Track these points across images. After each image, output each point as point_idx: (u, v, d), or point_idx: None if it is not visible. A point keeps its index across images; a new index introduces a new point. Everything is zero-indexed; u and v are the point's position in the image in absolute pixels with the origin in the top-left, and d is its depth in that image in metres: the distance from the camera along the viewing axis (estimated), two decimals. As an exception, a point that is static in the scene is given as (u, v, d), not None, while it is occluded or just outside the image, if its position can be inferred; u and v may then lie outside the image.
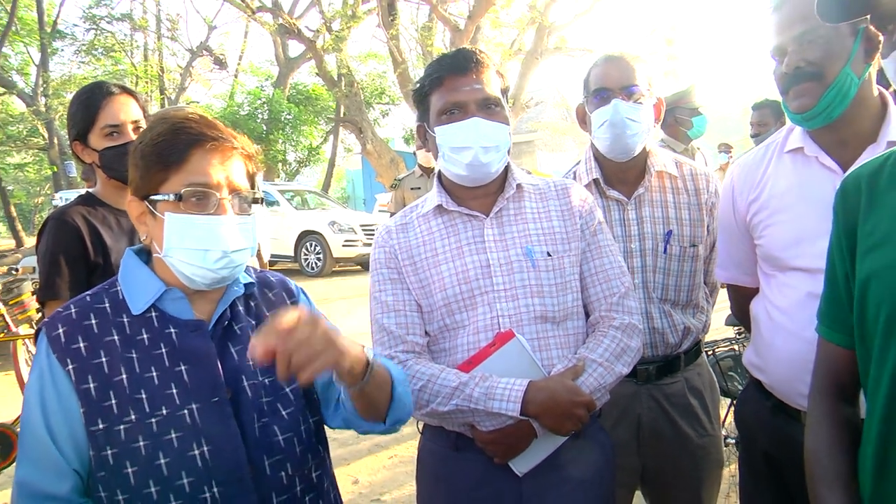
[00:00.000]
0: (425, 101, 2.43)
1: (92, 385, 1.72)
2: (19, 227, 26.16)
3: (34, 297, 8.70)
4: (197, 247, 1.77)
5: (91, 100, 2.92)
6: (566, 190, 2.50)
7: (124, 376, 1.74)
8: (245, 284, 1.97)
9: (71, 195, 14.12)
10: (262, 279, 2.08)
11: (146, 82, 29.55)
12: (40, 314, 6.64)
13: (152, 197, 1.78)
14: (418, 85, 2.45)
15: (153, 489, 1.69)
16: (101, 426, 1.70)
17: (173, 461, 1.71)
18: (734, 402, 3.56)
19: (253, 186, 1.88)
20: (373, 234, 19.22)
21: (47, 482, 1.68)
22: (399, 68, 21.54)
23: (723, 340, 4.95)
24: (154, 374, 1.77)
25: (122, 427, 1.71)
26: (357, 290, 15.16)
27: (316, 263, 18.88)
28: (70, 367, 1.72)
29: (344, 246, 19.11)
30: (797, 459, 2.05)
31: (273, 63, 32.72)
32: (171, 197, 1.76)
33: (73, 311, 1.81)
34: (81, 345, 1.75)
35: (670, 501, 2.99)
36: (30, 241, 23.35)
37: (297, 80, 32.77)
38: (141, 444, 1.70)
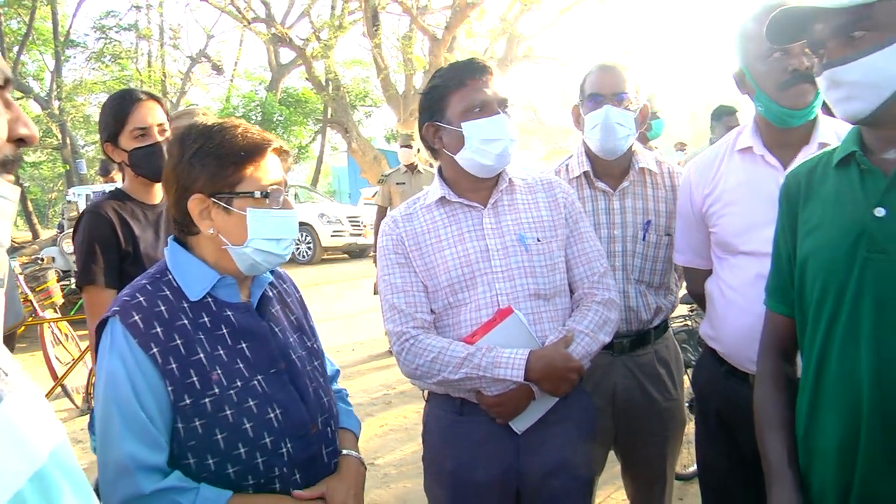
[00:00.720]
0: (442, 101, 2.46)
1: (174, 365, 1.75)
2: (35, 220, 25.95)
3: (58, 284, 8.67)
4: (275, 236, 1.85)
5: (121, 105, 2.97)
6: (551, 184, 2.60)
7: (201, 355, 1.79)
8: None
9: (82, 191, 14.00)
10: (275, 272, 2.15)
11: (150, 86, 29.27)
12: (63, 300, 6.51)
13: (222, 194, 1.81)
14: (435, 86, 2.48)
15: (242, 450, 1.77)
16: (187, 401, 1.75)
17: (256, 424, 1.79)
18: (688, 370, 3.70)
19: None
20: (358, 225, 19.36)
21: (150, 455, 1.70)
22: (382, 74, 21.56)
23: (677, 317, 5.08)
24: (221, 352, 1.82)
25: (206, 400, 1.76)
26: (344, 276, 15.22)
27: (307, 252, 18.85)
28: (154, 350, 1.74)
29: (332, 236, 19.09)
30: (746, 415, 2.19)
31: (266, 69, 32.53)
32: (258, 194, 1.82)
33: (140, 299, 1.80)
34: (158, 329, 1.76)
35: (640, 457, 3.08)
36: (45, 234, 23.13)
37: (288, 84, 32.61)
38: (227, 412, 1.77)
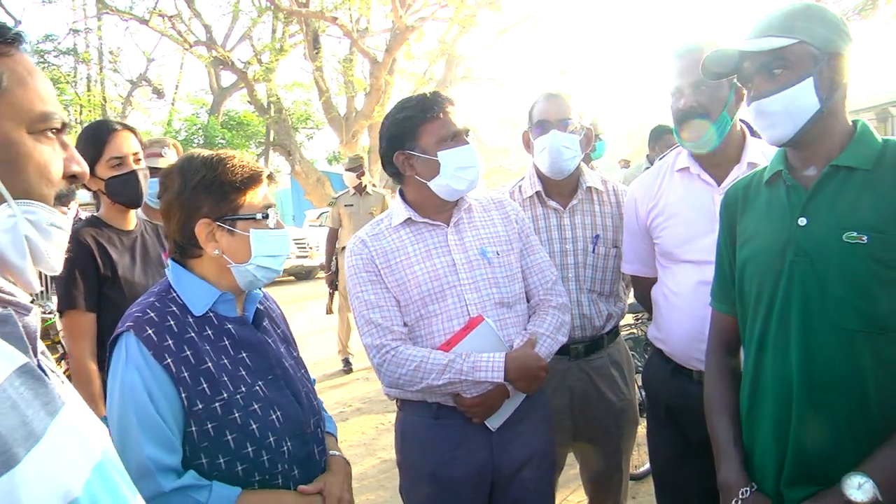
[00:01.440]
0: (414, 131, 2.59)
1: (186, 374, 1.88)
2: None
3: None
4: (274, 253, 2.03)
5: (98, 135, 3.07)
6: (501, 202, 2.83)
7: (209, 364, 1.92)
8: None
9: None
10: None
11: (89, 111, 28.86)
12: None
13: (227, 218, 1.97)
14: (407, 117, 2.61)
15: (249, 449, 1.92)
16: (200, 406, 1.88)
17: (261, 425, 1.95)
18: (637, 374, 3.92)
19: None
20: (304, 248, 19.29)
21: (168, 457, 1.83)
22: (323, 96, 21.61)
23: (624, 325, 5.32)
24: (226, 361, 1.97)
25: (217, 405, 1.90)
26: (291, 298, 15.07)
27: (253, 275, 18.69)
28: (167, 360, 1.86)
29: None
30: (691, 407, 2.48)
31: (207, 92, 32.19)
32: (259, 216, 2.00)
33: (151, 315, 1.93)
34: (170, 342, 1.89)
35: (597, 454, 3.29)
36: None
37: (230, 107, 32.32)
38: (236, 415, 1.92)
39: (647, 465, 3.35)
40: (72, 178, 1.21)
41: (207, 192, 1.96)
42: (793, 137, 1.91)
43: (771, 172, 2.05)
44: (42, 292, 8.67)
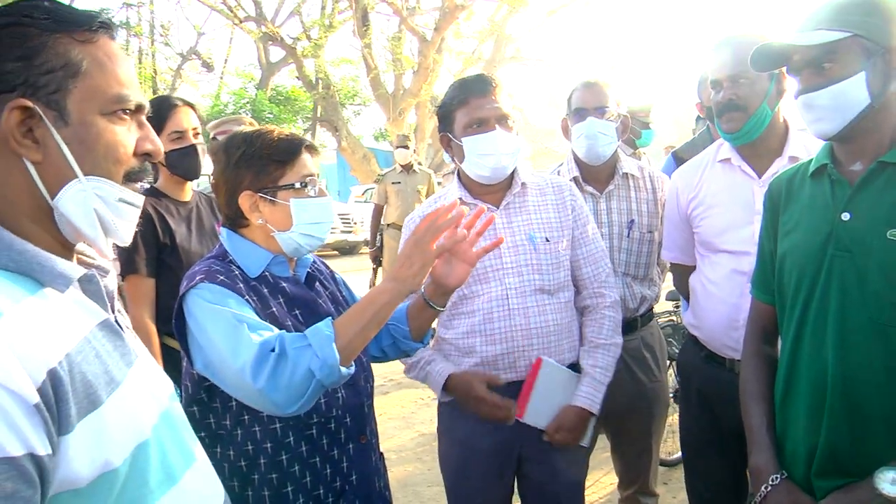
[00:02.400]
0: (450, 116, 2.69)
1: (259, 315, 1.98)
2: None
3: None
4: (316, 220, 2.09)
5: (160, 110, 3.17)
6: (560, 187, 2.83)
7: (272, 310, 2.04)
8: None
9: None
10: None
11: (140, 83, 29.20)
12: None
13: (267, 189, 2.05)
14: (444, 101, 2.72)
15: None
16: None
17: None
18: (672, 361, 3.96)
19: None
20: (349, 223, 19.45)
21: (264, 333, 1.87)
22: (371, 73, 21.62)
23: (663, 312, 5.34)
24: (280, 315, 2.06)
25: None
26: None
27: (297, 248, 18.86)
28: (245, 298, 1.97)
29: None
30: (723, 394, 2.53)
31: (256, 66, 32.33)
32: (298, 185, 2.07)
33: (219, 268, 2.03)
34: (241, 285, 2.00)
35: (627, 434, 3.37)
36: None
37: (278, 82, 32.45)
38: None
39: (681, 453, 3.38)
40: (145, 155, 1.29)
41: (248, 165, 2.06)
42: (840, 132, 1.90)
43: (816, 165, 2.04)
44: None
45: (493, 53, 21.91)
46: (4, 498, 0.93)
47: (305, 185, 2.09)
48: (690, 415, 2.96)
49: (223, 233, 2.18)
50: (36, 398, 0.99)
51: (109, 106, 1.22)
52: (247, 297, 1.98)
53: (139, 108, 1.28)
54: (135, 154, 1.27)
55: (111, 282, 1.32)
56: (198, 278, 2.01)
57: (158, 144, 1.32)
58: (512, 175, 2.75)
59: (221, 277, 2.00)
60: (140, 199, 1.30)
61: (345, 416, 2.11)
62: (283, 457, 2.04)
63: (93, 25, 1.22)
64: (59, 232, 1.22)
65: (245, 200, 2.07)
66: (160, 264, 3.10)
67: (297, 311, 2.12)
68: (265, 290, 2.09)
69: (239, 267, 2.10)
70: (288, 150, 2.09)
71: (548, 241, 2.71)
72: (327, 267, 2.46)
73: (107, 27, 1.25)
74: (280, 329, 1.94)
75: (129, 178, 1.27)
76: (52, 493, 1.03)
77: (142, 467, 1.17)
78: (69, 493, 1.06)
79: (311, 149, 2.16)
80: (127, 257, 3.04)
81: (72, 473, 1.05)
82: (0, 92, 1.14)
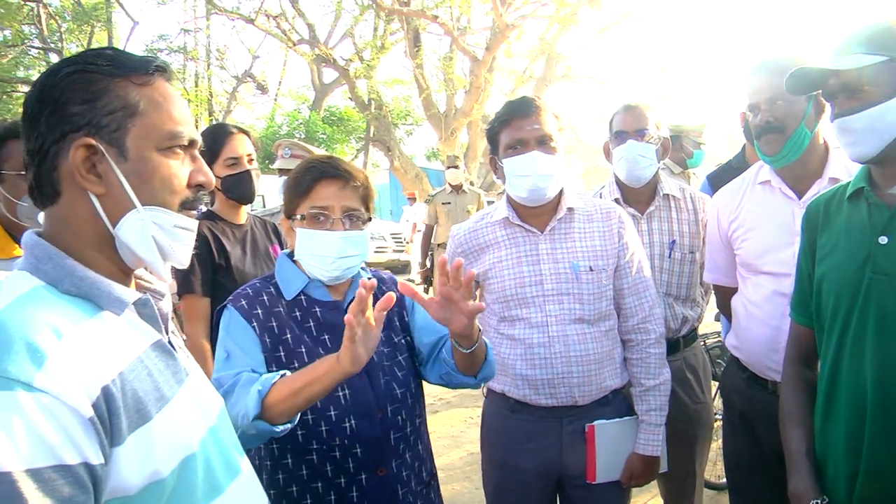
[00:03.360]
0: (496, 138, 2.74)
1: (268, 340, 2.14)
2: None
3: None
4: (315, 253, 2.17)
5: (216, 137, 3.33)
6: (609, 214, 2.80)
7: (288, 336, 2.16)
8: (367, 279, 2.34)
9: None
10: (378, 276, 2.47)
11: (196, 105, 29.78)
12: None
13: (292, 218, 2.21)
14: (491, 124, 2.77)
15: (309, 417, 2.11)
16: (274, 369, 2.08)
17: (324, 399, 2.05)
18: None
19: (367, 209, 2.26)
20: (401, 242, 19.54)
21: (249, 366, 2.06)
22: (423, 93, 21.75)
23: (712, 333, 5.29)
24: (307, 338, 2.18)
25: (288, 372, 2.06)
26: (387, 291, 15.29)
27: (349, 268, 18.95)
28: (254, 324, 2.14)
29: (375, 252, 19.22)
30: (765, 415, 2.54)
31: (309, 88, 32.81)
32: (300, 217, 2.19)
33: (248, 291, 2.24)
34: (259, 311, 2.17)
35: (671, 456, 3.28)
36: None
37: (331, 103, 32.87)
38: None
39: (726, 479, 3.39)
40: (198, 187, 1.41)
41: (288, 192, 2.24)
42: (877, 155, 1.91)
43: (853, 188, 2.05)
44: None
45: (544, 72, 21.89)
46: (62, 501, 1.04)
47: (304, 218, 2.18)
48: (733, 437, 2.96)
49: (280, 255, 2.34)
50: (90, 412, 1.10)
51: (164, 142, 1.34)
52: (258, 323, 2.14)
53: (192, 143, 1.40)
54: (189, 185, 1.39)
55: (166, 305, 1.45)
56: (229, 299, 2.21)
57: (210, 176, 1.43)
58: (559, 199, 2.77)
59: (243, 303, 2.18)
60: (194, 224, 1.42)
61: (353, 447, 2.15)
62: (280, 475, 2.16)
63: (149, 69, 1.35)
64: (120, 259, 1.34)
65: (284, 224, 2.26)
66: (215, 284, 3.22)
67: (326, 337, 2.21)
68: (298, 313, 2.22)
69: (279, 288, 2.25)
70: (301, 183, 2.21)
71: (591, 270, 2.70)
72: (392, 288, 2.48)
73: (162, 70, 1.37)
74: (296, 353, 2.13)
75: (185, 206, 1.39)
76: (104, 500, 1.14)
77: (189, 478, 1.28)
78: (120, 501, 1.17)
79: (333, 182, 2.20)
80: (183, 278, 3.16)
81: (122, 482, 1.16)
82: (68, 132, 1.27)
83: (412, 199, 19.96)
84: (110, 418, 1.14)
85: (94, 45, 26.53)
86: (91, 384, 1.12)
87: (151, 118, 1.32)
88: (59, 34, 25.53)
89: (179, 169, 1.37)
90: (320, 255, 2.17)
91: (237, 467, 1.45)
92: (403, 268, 19.88)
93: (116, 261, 1.34)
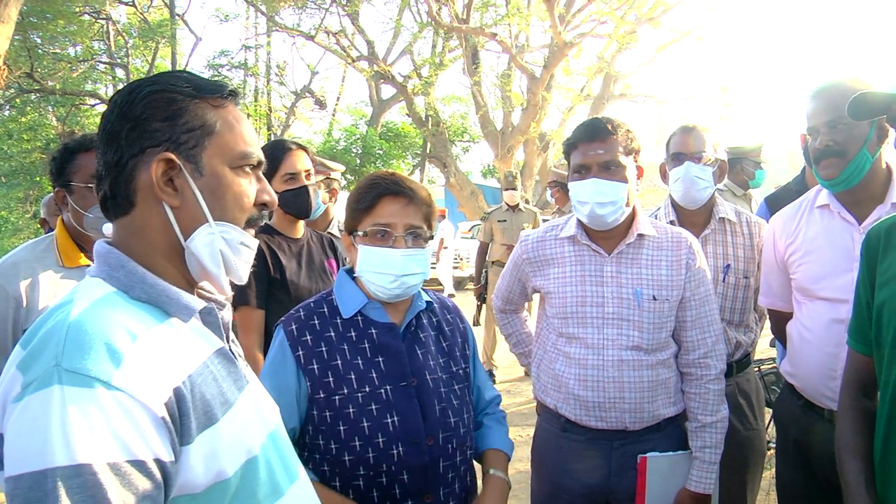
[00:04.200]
0: (568, 160, 2.76)
1: (316, 366, 2.18)
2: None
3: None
4: (376, 270, 2.20)
5: (274, 153, 3.39)
6: (679, 243, 2.76)
7: (339, 362, 2.19)
8: (427, 302, 2.37)
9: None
10: (441, 301, 2.49)
11: (255, 120, 30.27)
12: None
13: (353, 233, 2.26)
14: (564, 147, 2.79)
15: (357, 443, 2.13)
16: (322, 395, 2.16)
17: (373, 425, 2.13)
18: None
19: (429, 227, 2.27)
20: (456, 258, 19.56)
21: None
22: (481, 110, 21.74)
23: (768, 359, 5.22)
24: (359, 361, 2.20)
25: (336, 397, 2.15)
26: (441, 308, 15.32)
27: (404, 283, 19.00)
28: (299, 353, 2.19)
29: (430, 268, 19.26)
30: (821, 445, 2.48)
31: (367, 104, 33.09)
32: (361, 233, 2.23)
33: (301, 314, 2.28)
34: (308, 338, 2.21)
35: (721, 484, 3.20)
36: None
37: (389, 119, 33.08)
38: (350, 410, 2.15)
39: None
40: (262, 206, 1.48)
41: (349, 207, 2.29)
42: None
43: None
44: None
45: (601, 90, 21.72)
46: (136, 494, 1.10)
47: (366, 234, 2.22)
48: (787, 466, 2.91)
49: (340, 272, 2.37)
50: (163, 412, 1.17)
51: (237, 161, 1.42)
52: (304, 351, 2.19)
53: (259, 164, 1.48)
54: (255, 204, 1.47)
55: (227, 314, 1.52)
56: (282, 320, 2.28)
57: (274, 197, 1.51)
58: (631, 223, 2.75)
59: (293, 328, 2.24)
60: (255, 243, 1.49)
61: (400, 473, 2.15)
62: None
63: (224, 93, 1.44)
64: (188, 270, 1.42)
65: (345, 240, 2.31)
66: (270, 297, 3.27)
67: (380, 359, 2.23)
68: (353, 334, 2.25)
69: (336, 306, 2.28)
70: (363, 199, 2.24)
71: (655, 299, 2.67)
72: (458, 316, 2.53)
73: (234, 95, 1.46)
74: (345, 379, 2.17)
75: (250, 224, 1.46)
76: (172, 496, 1.21)
77: (251, 480, 1.34)
78: (187, 498, 1.23)
79: (396, 199, 2.22)
80: (239, 290, 3.21)
81: (190, 480, 1.22)
82: (147, 146, 1.35)
83: (441, 217, 20.03)
84: (181, 418, 1.20)
85: (158, 61, 27.36)
86: (163, 385, 1.19)
87: (226, 138, 1.41)
88: (125, 50, 26.22)
89: (248, 187, 1.44)
90: (382, 272, 2.19)
91: (295, 472, 1.51)
92: (458, 284, 19.93)
93: (184, 272, 1.41)
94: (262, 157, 1.48)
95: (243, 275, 1.48)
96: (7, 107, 25.75)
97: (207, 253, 1.39)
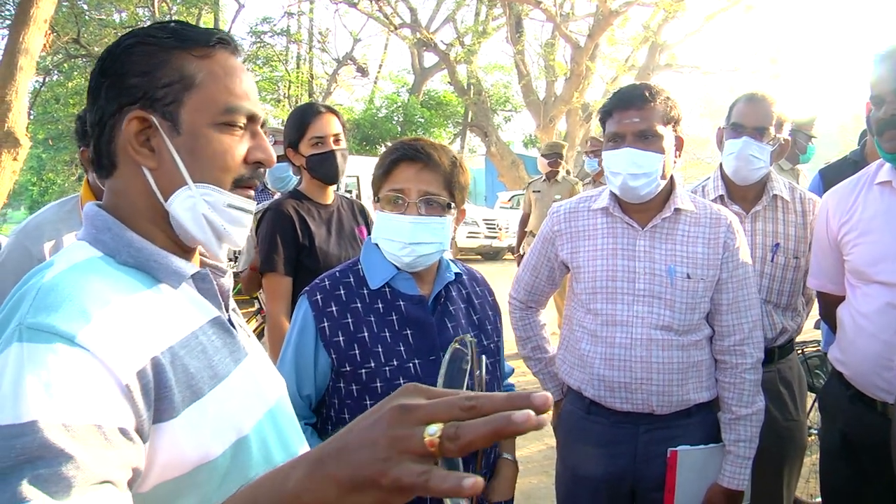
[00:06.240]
0: (604, 127, 2.60)
1: (341, 338, 2.09)
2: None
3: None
4: (387, 237, 2.11)
5: (303, 116, 3.32)
6: (718, 221, 2.60)
7: (365, 334, 2.09)
8: (455, 273, 2.27)
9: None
10: (470, 273, 2.40)
11: (297, 87, 30.38)
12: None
13: (377, 199, 2.16)
14: (600, 114, 2.62)
15: None
16: (348, 368, 2.08)
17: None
18: (818, 396, 3.70)
19: (451, 195, 2.13)
20: (494, 228, 19.53)
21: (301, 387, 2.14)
22: (523, 80, 21.61)
23: (812, 342, 4.97)
24: (387, 334, 2.11)
25: (363, 371, 2.07)
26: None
27: (441, 252, 19.09)
28: (324, 324, 2.10)
29: (467, 237, 19.28)
30: (872, 438, 2.29)
31: (409, 72, 33.03)
32: (375, 199, 2.15)
33: (326, 283, 2.19)
34: (333, 308, 2.12)
35: (755, 476, 3.03)
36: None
37: (430, 87, 33.07)
38: (378, 384, 2.07)
39: (820, 499, 3.14)
40: (257, 164, 1.35)
41: (374, 174, 2.18)
42: None
43: None
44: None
45: (647, 61, 21.38)
46: (93, 459, 0.96)
47: (378, 200, 2.14)
48: (832, 459, 2.74)
49: (367, 240, 2.28)
50: (131, 380, 1.05)
51: (220, 117, 1.28)
52: (329, 323, 2.11)
53: (252, 118, 1.34)
54: (247, 162, 1.33)
55: (227, 281, 1.41)
56: (306, 289, 2.19)
57: (270, 153, 1.36)
58: (669, 197, 2.60)
59: (318, 297, 2.15)
60: (250, 204, 1.35)
61: None
62: None
63: (210, 41, 1.29)
64: (176, 234, 1.31)
65: (374, 207, 2.20)
66: (298, 264, 3.21)
67: (408, 332, 2.13)
68: (380, 305, 2.15)
69: (363, 277, 2.19)
70: (382, 165, 2.15)
71: (689, 277, 2.52)
72: (487, 289, 2.45)
73: (225, 43, 1.32)
74: (371, 352, 2.09)
75: (240, 184, 1.33)
76: (154, 482, 1.11)
77: (243, 462, 1.23)
78: (172, 483, 1.13)
79: (412, 164, 2.11)
80: (266, 256, 3.18)
81: (175, 458, 1.12)
82: (124, 104, 1.24)
83: None
84: (160, 390, 1.10)
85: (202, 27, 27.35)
86: (137, 353, 1.08)
87: (209, 92, 1.27)
88: (169, 16, 26.25)
89: (234, 145, 1.31)
90: (392, 239, 2.11)
91: (296, 453, 1.39)
92: (496, 254, 19.87)
93: (172, 235, 1.31)
94: (255, 110, 1.34)
95: (238, 240, 1.35)
96: (55, 72, 26.05)
97: (190, 217, 1.28)
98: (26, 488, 0.90)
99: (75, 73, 26.54)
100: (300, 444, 1.43)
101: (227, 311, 1.38)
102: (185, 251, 1.34)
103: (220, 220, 1.30)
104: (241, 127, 1.32)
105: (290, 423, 1.43)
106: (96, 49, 23.61)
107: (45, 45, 8.95)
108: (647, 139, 2.47)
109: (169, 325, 1.18)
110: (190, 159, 1.26)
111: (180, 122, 1.25)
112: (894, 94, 2.32)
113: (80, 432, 0.97)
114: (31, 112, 23.99)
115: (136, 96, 1.24)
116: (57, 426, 0.95)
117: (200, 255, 1.40)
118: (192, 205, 1.27)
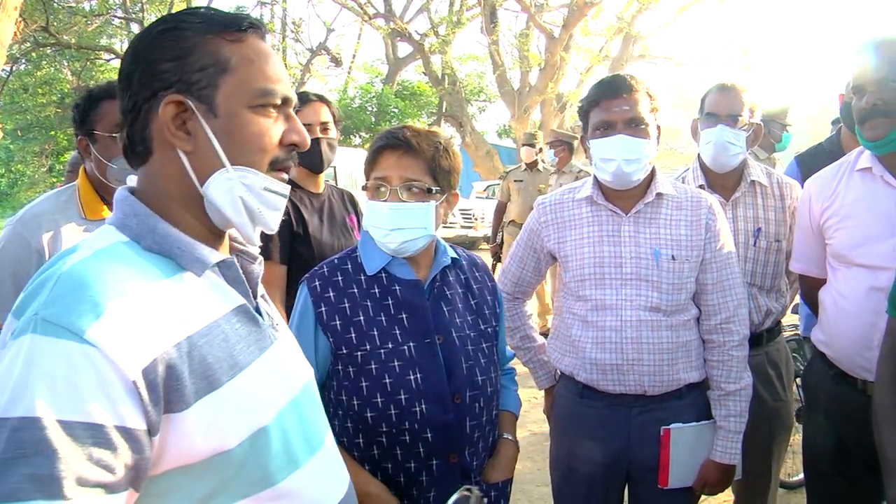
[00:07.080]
0: (586, 118, 2.65)
1: (338, 322, 2.14)
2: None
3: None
4: (372, 224, 2.16)
5: None
6: (699, 203, 2.67)
7: (361, 318, 2.14)
8: (453, 259, 2.30)
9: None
10: (470, 258, 2.43)
11: (270, 77, 30.14)
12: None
13: (365, 186, 2.21)
14: (582, 101, 2.68)
15: (379, 400, 2.09)
16: (344, 350, 2.13)
17: (395, 382, 2.09)
18: (797, 377, 3.78)
19: (434, 180, 2.14)
20: (470, 218, 19.54)
21: None
22: (498, 70, 21.58)
23: (788, 326, 5.08)
24: (382, 318, 2.15)
25: (359, 353, 2.11)
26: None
27: (416, 243, 19.05)
28: (321, 309, 2.15)
29: (443, 227, 19.27)
30: (853, 416, 2.38)
31: (383, 62, 32.92)
32: (362, 186, 2.20)
33: (325, 270, 2.24)
34: (331, 294, 2.18)
35: (746, 455, 3.08)
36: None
37: (405, 77, 32.95)
38: (373, 366, 2.11)
39: (802, 475, 3.23)
40: (291, 146, 1.38)
41: (365, 163, 2.23)
42: None
43: None
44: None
45: (620, 51, 21.44)
46: (90, 459, 1.01)
47: (365, 188, 2.18)
48: (815, 436, 2.81)
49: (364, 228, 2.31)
50: (137, 376, 1.07)
51: (256, 100, 1.31)
52: (327, 308, 2.16)
53: (286, 102, 1.36)
54: (282, 144, 1.35)
55: (258, 268, 1.44)
56: (306, 276, 2.23)
57: (305, 136, 1.39)
58: (649, 183, 2.67)
59: (316, 283, 2.20)
60: (286, 188, 1.38)
61: (424, 431, 2.11)
62: (354, 453, 2.14)
63: (242, 26, 1.32)
64: (209, 219, 1.32)
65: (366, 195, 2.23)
66: (293, 253, 3.21)
67: (403, 316, 2.17)
68: (377, 290, 2.19)
69: (361, 263, 2.22)
70: (368, 154, 2.21)
71: (673, 259, 2.59)
72: (487, 274, 2.48)
73: (256, 28, 1.34)
74: (367, 336, 2.13)
75: (275, 166, 1.36)
76: (166, 468, 1.13)
77: (262, 452, 1.24)
78: (181, 470, 1.15)
79: (394, 151, 2.14)
80: (262, 244, 3.14)
81: (185, 450, 1.14)
82: (158, 89, 1.26)
83: None
84: (169, 383, 1.11)
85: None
86: (149, 346, 1.10)
87: (243, 75, 1.30)
88: (140, 4, 25.93)
89: (270, 127, 1.34)
90: (376, 226, 2.15)
91: (320, 441, 1.42)
92: (472, 244, 19.89)
93: (205, 221, 1.33)
94: (289, 93, 1.36)
95: (272, 223, 1.38)
96: (23, 60, 25.54)
97: (227, 200, 1.29)
98: (19, 486, 0.94)
99: (44, 62, 26.13)
100: (324, 433, 1.45)
101: (255, 298, 1.39)
102: (216, 238, 1.35)
103: (256, 203, 1.32)
104: (275, 109, 1.34)
105: (315, 412, 1.45)
106: (65, 37, 23.28)
107: (14, 33, 8.85)
108: (636, 126, 2.55)
109: (189, 314, 1.19)
110: (227, 142, 1.28)
111: (216, 106, 1.28)
112: (876, 85, 2.38)
113: (79, 432, 1.00)
114: (-1, 102, 23.70)
115: (171, 81, 1.26)
116: (57, 425, 0.98)
117: (232, 240, 1.42)
118: (229, 187, 1.29)
